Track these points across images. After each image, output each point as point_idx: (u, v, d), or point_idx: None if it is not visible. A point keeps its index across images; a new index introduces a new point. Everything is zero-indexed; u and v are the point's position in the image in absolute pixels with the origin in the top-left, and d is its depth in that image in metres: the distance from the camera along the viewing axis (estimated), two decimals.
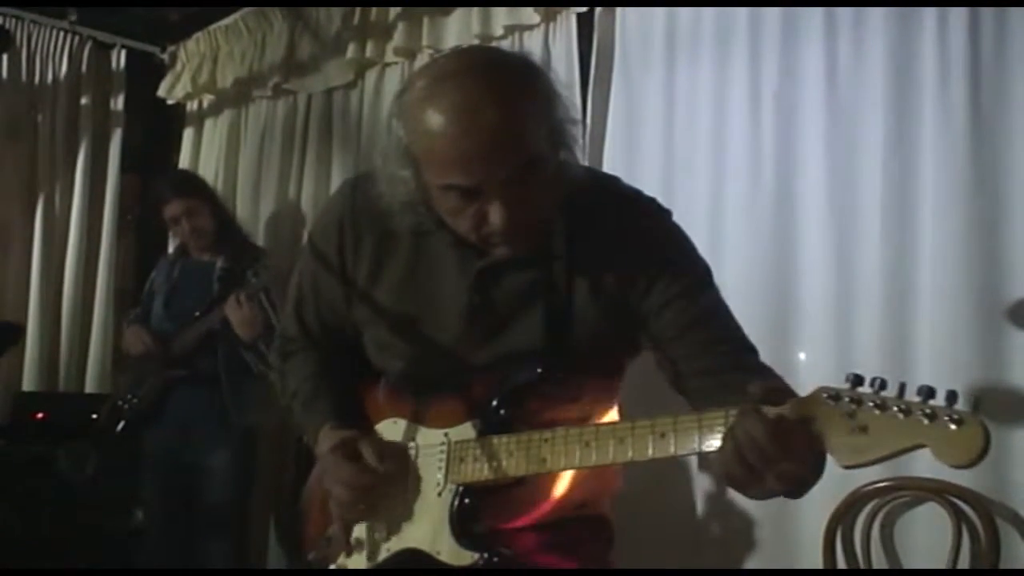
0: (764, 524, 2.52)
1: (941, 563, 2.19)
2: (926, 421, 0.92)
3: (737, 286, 2.58)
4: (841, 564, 2.32)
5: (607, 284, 1.32)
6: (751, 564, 2.53)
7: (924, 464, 2.24)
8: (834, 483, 2.32)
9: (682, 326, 1.30)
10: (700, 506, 2.64)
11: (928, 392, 0.94)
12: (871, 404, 0.96)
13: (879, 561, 2.33)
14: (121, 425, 3.10)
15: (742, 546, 2.56)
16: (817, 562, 2.33)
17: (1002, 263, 2.20)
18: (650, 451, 1.13)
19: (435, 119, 1.17)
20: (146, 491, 3.18)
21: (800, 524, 2.43)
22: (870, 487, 2.28)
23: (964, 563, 2.18)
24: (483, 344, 1.35)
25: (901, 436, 0.94)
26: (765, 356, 1.34)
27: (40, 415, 3.63)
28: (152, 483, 3.13)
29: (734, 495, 2.56)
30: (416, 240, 1.37)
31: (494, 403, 1.31)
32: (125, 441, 3.14)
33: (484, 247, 1.29)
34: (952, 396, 0.93)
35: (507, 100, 1.16)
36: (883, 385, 0.96)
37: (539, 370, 1.29)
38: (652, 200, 1.42)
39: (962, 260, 2.22)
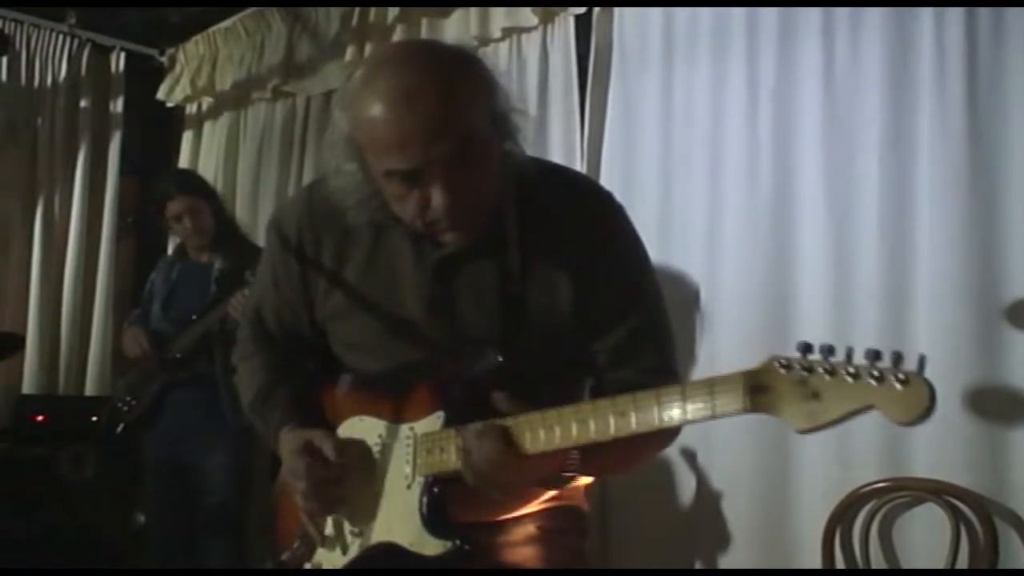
0: (762, 525, 2.51)
1: (940, 564, 2.18)
2: (874, 383, 0.96)
3: (735, 284, 2.59)
4: (840, 565, 2.31)
5: (561, 274, 1.34)
6: (749, 565, 2.52)
7: (923, 465, 2.24)
8: (833, 483, 2.35)
9: (619, 338, 1.34)
10: (696, 507, 2.63)
11: (875, 355, 0.97)
12: (821, 370, 0.99)
13: (878, 562, 2.32)
14: (120, 427, 3.11)
15: (740, 547, 2.55)
16: (816, 563, 2.32)
17: (1000, 261, 2.19)
18: (612, 429, 1.15)
19: (373, 106, 1.18)
20: (146, 493, 3.19)
21: (798, 525, 2.43)
22: (869, 488, 2.28)
23: (963, 564, 2.17)
24: (446, 336, 1.36)
25: (851, 399, 0.97)
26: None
27: (40, 418, 3.65)
28: (152, 485, 3.14)
29: (731, 496, 2.57)
30: (375, 236, 1.38)
31: (457, 393, 1.33)
32: (125, 443, 3.15)
33: (432, 235, 1.30)
34: (898, 357, 0.96)
35: (442, 83, 1.18)
36: (831, 351, 1.00)
37: (499, 358, 1.30)
38: (607, 192, 1.44)
39: (960, 259, 2.21)
